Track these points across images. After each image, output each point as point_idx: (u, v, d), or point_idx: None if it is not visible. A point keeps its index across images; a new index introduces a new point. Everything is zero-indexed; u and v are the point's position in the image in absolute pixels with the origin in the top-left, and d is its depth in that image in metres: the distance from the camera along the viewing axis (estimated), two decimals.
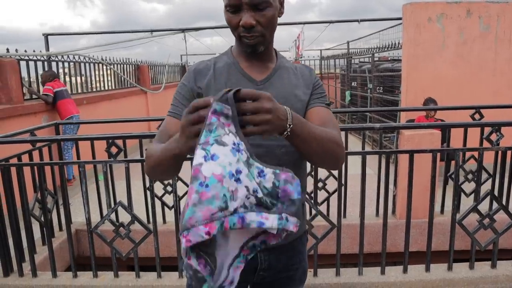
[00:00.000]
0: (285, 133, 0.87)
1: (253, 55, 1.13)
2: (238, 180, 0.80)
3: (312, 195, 2.60)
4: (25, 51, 5.05)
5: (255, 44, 1.08)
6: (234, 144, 0.81)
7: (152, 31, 6.25)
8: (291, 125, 0.87)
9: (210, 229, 0.76)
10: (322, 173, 2.76)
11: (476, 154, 2.51)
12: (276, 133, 0.86)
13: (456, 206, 2.36)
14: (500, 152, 2.47)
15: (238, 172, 0.80)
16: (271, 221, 0.84)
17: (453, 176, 2.43)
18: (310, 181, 2.58)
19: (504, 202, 2.78)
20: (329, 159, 1.03)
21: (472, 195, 3.20)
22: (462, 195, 3.15)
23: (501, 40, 4.92)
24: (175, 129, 1.03)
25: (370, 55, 7.59)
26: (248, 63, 1.15)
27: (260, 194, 0.83)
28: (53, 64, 5.77)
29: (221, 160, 0.78)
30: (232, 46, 1.21)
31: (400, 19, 5.49)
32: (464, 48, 4.92)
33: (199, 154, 0.78)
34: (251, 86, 1.10)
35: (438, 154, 2.33)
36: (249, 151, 0.84)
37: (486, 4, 4.88)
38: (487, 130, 2.62)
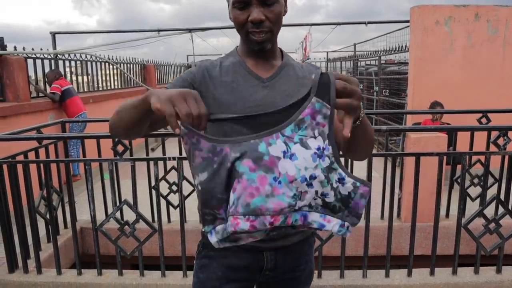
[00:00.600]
0: (357, 122, 0.91)
1: (259, 53, 1.13)
2: (310, 185, 0.82)
3: None
4: (32, 49, 5.09)
5: (263, 41, 1.08)
6: (318, 149, 0.82)
7: (159, 30, 6.27)
8: (363, 115, 0.92)
9: (275, 221, 0.81)
10: None
11: (482, 158, 2.50)
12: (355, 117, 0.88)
13: (461, 210, 2.34)
14: (507, 157, 2.45)
15: (312, 177, 0.82)
16: (332, 225, 0.86)
17: (459, 180, 2.42)
18: None
19: (510, 207, 2.77)
20: (370, 148, 1.09)
21: (477, 200, 3.19)
22: (468, 199, 3.14)
23: (510, 44, 4.89)
24: None
25: (377, 57, 7.57)
26: (254, 62, 1.15)
27: (331, 199, 0.85)
28: (60, 62, 5.80)
29: (299, 163, 0.80)
30: (237, 46, 1.21)
31: (407, 21, 5.47)
32: (472, 52, 4.90)
33: (279, 146, 0.81)
34: (258, 84, 1.11)
35: (444, 158, 2.32)
36: (335, 155, 0.84)
37: (495, 8, 4.85)
38: (494, 134, 2.61)
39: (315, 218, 0.85)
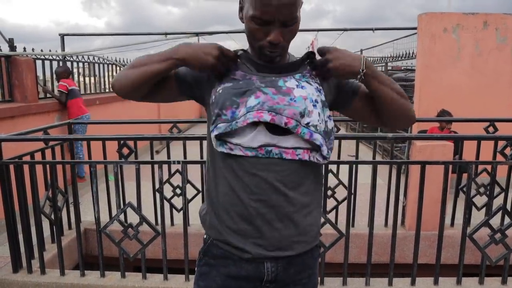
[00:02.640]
0: (359, 76, 1.07)
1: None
2: (315, 105, 1.07)
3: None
4: (41, 50, 5.13)
5: (275, 57, 1.09)
6: (317, 88, 1.11)
7: (166, 34, 6.30)
8: (364, 70, 1.06)
9: (288, 122, 1.04)
10: (331, 181, 2.74)
11: (489, 167, 2.48)
12: (351, 75, 1.07)
13: (466, 220, 2.32)
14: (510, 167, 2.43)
15: (316, 101, 1.08)
16: (324, 149, 1.08)
17: (464, 189, 2.40)
18: None
19: None
20: (404, 110, 1.15)
21: (483, 209, 3.15)
22: (474, 208, 3.11)
23: None
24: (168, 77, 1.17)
25: (383, 64, 7.55)
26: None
27: (329, 126, 1.11)
28: (68, 64, 5.84)
29: (307, 91, 1.08)
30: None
31: (414, 28, 5.46)
32: (480, 60, 4.87)
33: (292, 82, 1.09)
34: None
35: (450, 166, 2.30)
36: (326, 99, 1.13)
37: (504, 16, 4.83)
38: (501, 143, 2.59)
39: (318, 137, 1.06)
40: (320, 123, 1.07)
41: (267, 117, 1.02)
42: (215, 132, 1.07)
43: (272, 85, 1.07)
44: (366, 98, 1.18)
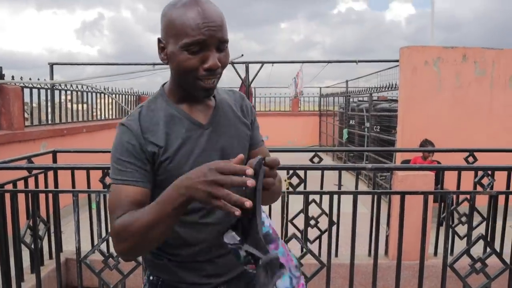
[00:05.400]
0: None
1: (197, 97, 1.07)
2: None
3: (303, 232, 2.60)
4: (30, 79, 5.16)
5: (213, 87, 1.02)
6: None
7: (154, 64, 6.41)
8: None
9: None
10: (314, 210, 2.76)
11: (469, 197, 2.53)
12: None
13: (448, 249, 2.35)
14: (490, 196, 2.48)
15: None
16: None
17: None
18: (301, 218, 2.59)
19: (498, 246, 2.77)
20: (277, 197, 1.19)
21: (466, 238, 3.19)
22: (456, 238, 3.14)
23: (497, 84, 5.03)
24: (140, 197, 0.98)
25: (368, 94, 7.72)
26: (189, 105, 1.08)
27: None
28: (56, 92, 5.87)
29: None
30: (163, 86, 1.12)
31: (397, 61, 5.63)
32: (460, 92, 5.03)
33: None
34: (200, 132, 1.06)
35: (431, 196, 2.34)
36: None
37: (482, 50, 5.03)
38: (480, 173, 2.64)
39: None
40: None
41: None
42: None
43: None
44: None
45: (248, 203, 0.79)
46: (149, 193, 1.00)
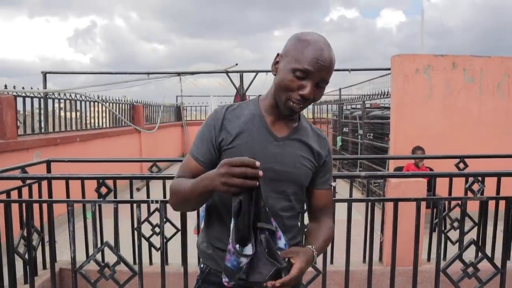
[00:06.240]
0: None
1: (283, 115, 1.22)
2: None
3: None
4: (23, 87, 5.15)
5: (297, 112, 1.17)
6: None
7: (148, 73, 6.42)
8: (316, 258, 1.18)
9: None
10: None
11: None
12: None
13: (440, 254, 2.38)
14: (481, 202, 2.53)
15: None
16: None
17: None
18: None
19: (490, 251, 2.81)
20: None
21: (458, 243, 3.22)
22: (449, 243, 3.17)
23: (485, 91, 5.12)
24: (196, 171, 1.21)
25: (361, 102, 7.79)
26: (273, 119, 1.23)
27: None
28: (49, 101, 5.86)
29: None
30: (260, 96, 1.29)
31: (389, 69, 5.70)
32: (450, 99, 5.10)
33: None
34: (272, 141, 1.21)
35: (424, 202, 2.38)
36: None
37: (470, 57, 5.11)
38: (471, 179, 2.69)
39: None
40: None
41: None
42: None
43: None
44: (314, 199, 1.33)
45: (260, 173, 0.96)
46: (204, 171, 1.17)
